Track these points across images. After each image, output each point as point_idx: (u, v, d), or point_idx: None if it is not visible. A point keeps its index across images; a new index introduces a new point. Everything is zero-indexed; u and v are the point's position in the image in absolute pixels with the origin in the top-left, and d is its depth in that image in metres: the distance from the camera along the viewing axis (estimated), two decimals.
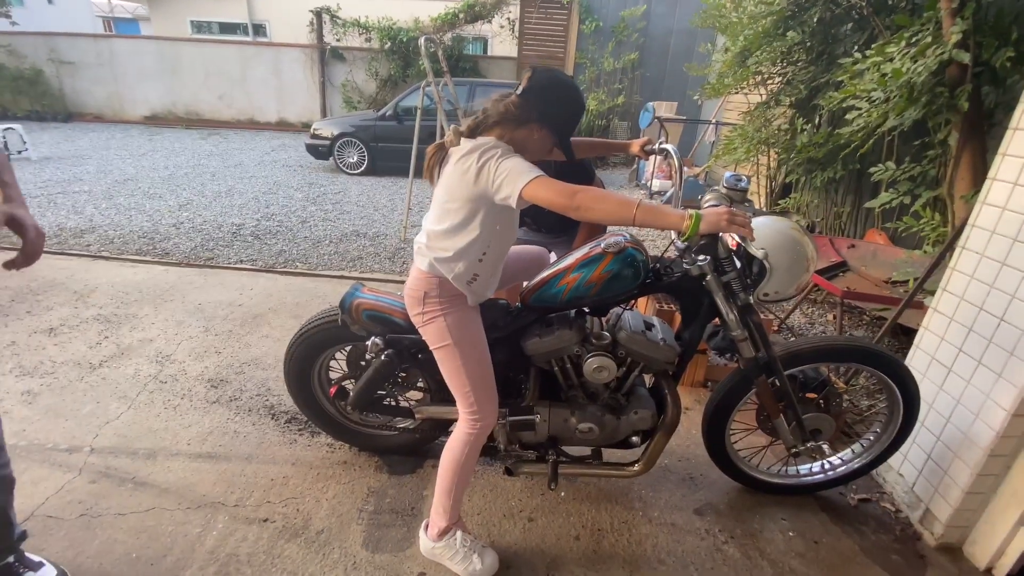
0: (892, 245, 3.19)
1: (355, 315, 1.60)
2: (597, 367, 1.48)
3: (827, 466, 1.87)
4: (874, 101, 2.15)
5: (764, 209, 4.73)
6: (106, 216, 4.82)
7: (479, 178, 1.23)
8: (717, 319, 1.51)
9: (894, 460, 1.90)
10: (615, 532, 1.71)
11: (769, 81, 4.18)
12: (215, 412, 2.19)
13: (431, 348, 1.42)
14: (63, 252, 3.87)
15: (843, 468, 1.84)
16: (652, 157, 7.19)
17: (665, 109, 7.63)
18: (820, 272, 3.02)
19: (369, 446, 1.96)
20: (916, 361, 1.86)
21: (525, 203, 1.20)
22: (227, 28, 13.92)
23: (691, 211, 1.18)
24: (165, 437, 2.04)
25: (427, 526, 1.54)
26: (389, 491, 1.82)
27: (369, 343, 1.61)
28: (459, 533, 1.51)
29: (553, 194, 1.17)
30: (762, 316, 3.02)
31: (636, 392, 1.61)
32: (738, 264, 1.43)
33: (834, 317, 3.34)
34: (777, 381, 1.59)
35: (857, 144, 2.66)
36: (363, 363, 1.72)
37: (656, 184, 7.06)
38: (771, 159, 4.59)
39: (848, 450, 1.86)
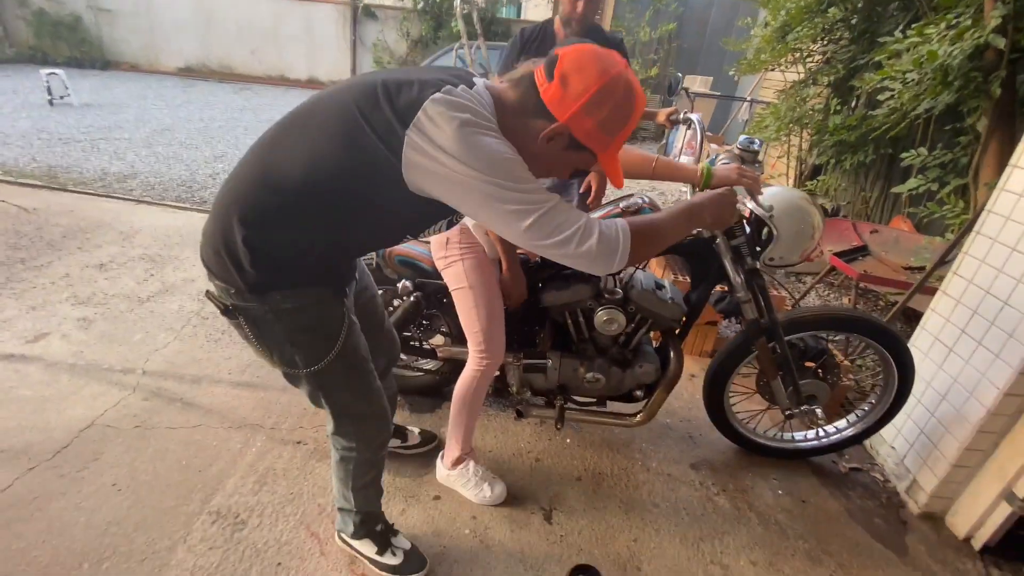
0: (916, 232, 3.18)
1: (388, 260, 1.74)
2: (607, 319, 1.59)
3: (821, 433, 1.97)
4: (907, 83, 2.13)
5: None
6: (146, 163, 5.01)
7: None
8: (725, 286, 1.60)
9: (888, 434, 1.99)
10: (614, 477, 1.85)
11: (808, 59, 4.09)
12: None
13: (450, 290, 1.55)
14: (108, 195, 4.07)
15: (836, 436, 1.93)
16: (682, 131, 7.10)
17: (699, 84, 7.45)
18: (839, 255, 3.04)
19: (400, 387, 2.12)
20: (919, 341, 1.92)
21: None
22: None
23: (705, 164, 1.29)
24: (208, 366, 2.22)
25: (443, 456, 1.70)
26: (409, 425, 1.98)
27: (399, 285, 1.75)
28: (471, 463, 1.67)
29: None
30: (777, 293, 3.08)
31: (642, 348, 1.72)
32: (748, 230, 1.51)
33: (849, 300, 3.37)
34: (778, 346, 1.68)
35: (889, 127, 2.64)
36: (392, 307, 1.86)
37: (684, 159, 6.96)
38: (803, 140, 4.52)
39: (843, 420, 1.95)
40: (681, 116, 1.71)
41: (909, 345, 1.95)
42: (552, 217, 0.91)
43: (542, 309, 1.68)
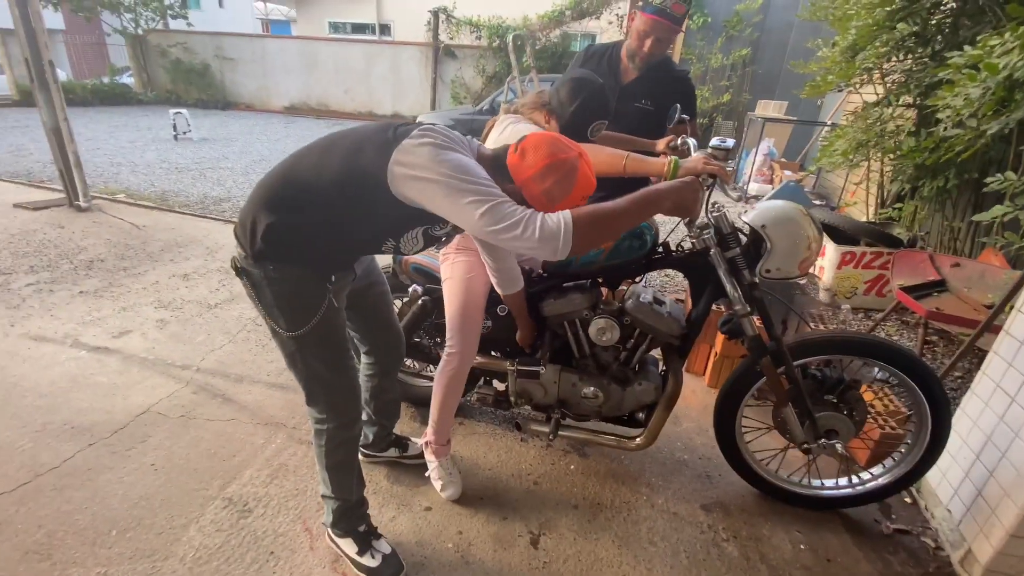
0: (1008, 267, 2.78)
1: (404, 267, 1.88)
2: (600, 328, 1.59)
3: (855, 480, 1.76)
4: (968, 100, 1.91)
5: (869, 220, 4.30)
6: (240, 189, 5.68)
7: (499, 139, 1.48)
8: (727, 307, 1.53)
9: (944, 494, 1.74)
10: (613, 509, 1.77)
11: (887, 77, 3.79)
12: None
13: (441, 283, 1.65)
14: (204, 215, 4.66)
15: (871, 484, 1.72)
16: (751, 157, 6.76)
17: (773, 109, 7.12)
18: (909, 290, 2.73)
19: (404, 395, 2.20)
20: (980, 388, 1.67)
21: None
22: (358, 28, 15.32)
23: (672, 158, 1.38)
24: (252, 367, 2.45)
25: (425, 440, 1.81)
26: (414, 437, 2.04)
27: (410, 290, 1.86)
28: (438, 457, 1.76)
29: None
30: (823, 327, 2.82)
31: (646, 368, 1.69)
32: (742, 241, 1.48)
33: (916, 341, 2.99)
34: (787, 370, 1.56)
35: (963, 148, 2.37)
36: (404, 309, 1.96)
37: (754, 188, 6.64)
38: (883, 165, 4.15)
39: (879, 466, 1.73)
40: (679, 142, 1.68)
41: (970, 393, 1.72)
42: (502, 208, 1.08)
43: (542, 319, 1.70)
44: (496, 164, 1.20)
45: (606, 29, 10.88)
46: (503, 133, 1.54)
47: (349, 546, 1.48)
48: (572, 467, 1.95)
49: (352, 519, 1.49)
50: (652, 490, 1.87)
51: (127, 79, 13.72)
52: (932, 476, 1.82)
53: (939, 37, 3.03)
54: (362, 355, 1.67)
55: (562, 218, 1.09)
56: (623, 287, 1.91)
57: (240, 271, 1.24)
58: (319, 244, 1.21)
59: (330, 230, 1.20)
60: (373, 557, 1.46)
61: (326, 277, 1.26)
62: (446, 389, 1.67)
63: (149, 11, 12.58)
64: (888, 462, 1.73)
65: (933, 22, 2.98)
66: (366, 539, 1.48)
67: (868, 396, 2.11)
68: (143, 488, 1.73)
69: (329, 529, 1.53)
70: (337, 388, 1.36)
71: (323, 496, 1.49)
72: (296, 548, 1.55)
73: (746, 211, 1.52)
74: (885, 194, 4.29)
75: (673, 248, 1.62)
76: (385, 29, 15.09)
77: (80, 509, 1.63)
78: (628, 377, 1.68)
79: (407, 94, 12.79)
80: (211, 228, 4.35)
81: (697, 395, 2.44)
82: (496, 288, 1.58)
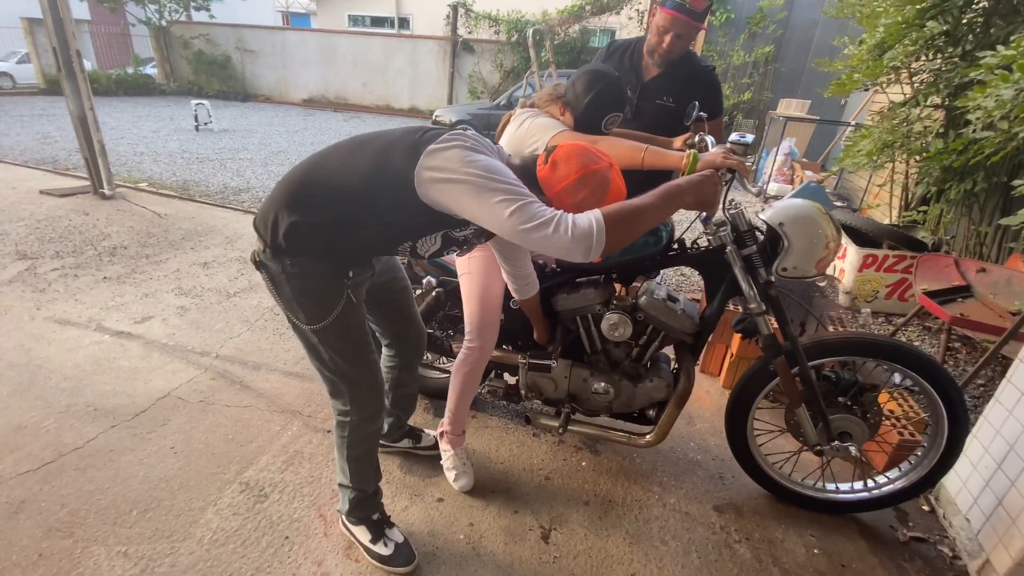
0: None
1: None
2: (613, 323, 1.59)
3: (871, 484, 1.74)
4: (1002, 101, 1.86)
5: (892, 223, 4.21)
6: (259, 180, 5.75)
7: (517, 132, 1.49)
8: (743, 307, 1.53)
9: (963, 502, 1.71)
10: (625, 506, 1.77)
11: (915, 77, 3.69)
12: None
13: (458, 276, 1.66)
14: (224, 205, 4.73)
15: (887, 487, 1.70)
16: (771, 156, 6.66)
17: (795, 108, 7.00)
18: (933, 295, 2.68)
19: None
20: (1004, 396, 1.63)
21: None
22: (377, 22, 15.37)
23: (691, 151, 1.38)
24: (269, 355, 2.49)
25: (441, 431, 1.82)
26: (427, 428, 2.06)
27: (425, 281, 1.87)
28: (452, 447, 1.78)
29: (576, 141, 1.35)
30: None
31: (658, 365, 1.69)
32: (759, 238, 1.47)
33: (938, 347, 2.93)
34: (801, 371, 1.55)
35: (993, 151, 2.31)
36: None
37: (774, 187, 6.54)
38: (909, 167, 4.06)
39: (896, 469, 1.71)
40: (696, 139, 1.67)
41: (993, 401, 1.68)
42: (531, 207, 1.07)
43: (556, 314, 1.70)
44: (525, 174, 1.20)
45: (626, 24, 10.77)
46: (521, 127, 1.54)
47: (363, 534, 1.50)
48: (584, 464, 1.95)
49: (367, 508, 1.50)
50: (664, 489, 1.87)
51: (150, 70, 13.95)
52: (951, 484, 1.79)
53: (970, 36, 2.95)
54: (383, 347, 1.69)
55: (593, 218, 1.07)
56: (636, 283, 1.90)
57: (259, 265, 1.26)
58: (338, 242, 1.22)
59: (350, 229, 1.20)
60: (386, 545, 1.48)
61: (343, 273, 1.27)
62: (465, 381, 1.69)
63: (173, 2, 12.76)
64: (904, 466, 1.71)
65: (964, 21, 2.90)
66: (380, 527, 1.50)
67: (886, 400, 2.08)
68: (163, 470, 1.77)
69: (344, 516, 1.55)
70: (359, 382, 1.37)
71: (340, 485, 1.51)
72: (310, 534, 1.58)
73: (763, 209, 1.50)
74: (910, 196, 4.19)
75: (689, 245, 1.61)
76: (404, 23, 15.12)
77: (102, 489, 1.68)
78: (640, 374, 1.68)
79: (424, 88, 12.81)
80: (231, 218, 4.41)
81: (712, 396, 2.42)
82: (513, 293, 1.59)
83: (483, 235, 1.31)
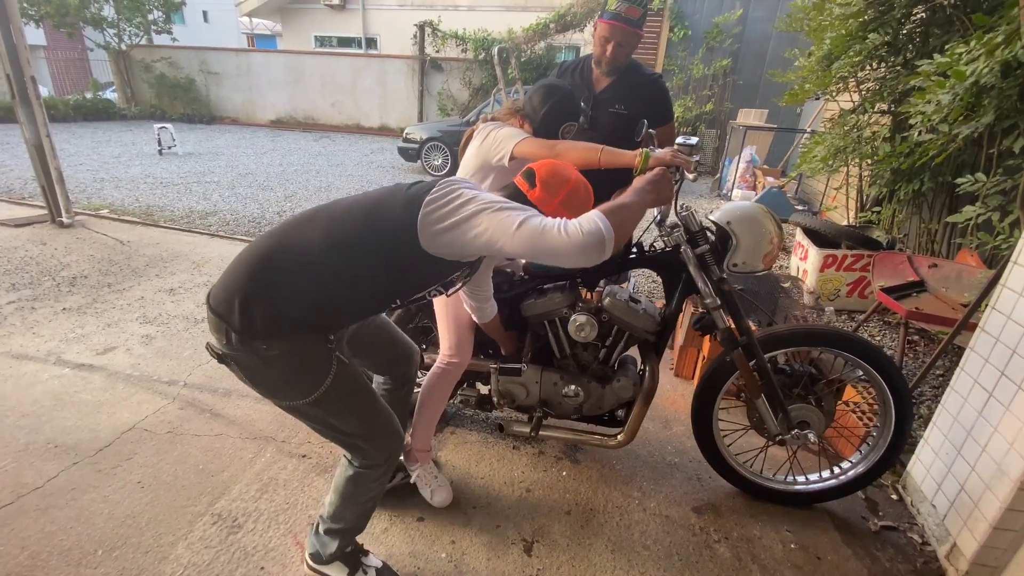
0: (984, 267, 2.86)
1: None
2: (579, 324, 1.64)
3: (836, 471, 1.82)
4: (939, 106, 1.99)
5: (850, 224, 4.40)
6: (227, 203, 5.65)
7: (483, 144, 1.54)
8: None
9: (928, 489, 1.77)
10: (606, 514, 1.78)
11: (861, 86, 3.90)
12: None
13: None
14: (190, 230, 4.62)
15: (851, 472, 1.78)
16: (734, 165, 6.89)
17: (754, 117, 7.28)
18: (890, 291, 2.80)
19: None
20: (959, 384, 1.72)
21: (518, 162, 1.45)
22: (344, 42, 15.37)
23: (643, 150, 1.46)
24: (239, 382, 2.41)
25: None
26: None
27: None
28: (422, 465, 1.77)
29: (537, 148, 1.49)
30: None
31: (624, 365, 1.75)
32: (711, 238, 1.57)
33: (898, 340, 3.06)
34: (758, 363, 1.63)
35: (936, 153, 2.45)
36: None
37: (738, 193, 6.76)
38: (862, 170, 4.26)
39: (856, 453, 1.80)
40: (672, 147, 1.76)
41: (949, 389, 1.76)
42: (538, 217, 1.13)
43: (524, 319, 1.74)
44: (514, 199, 1.25)
45: (589, 41, 11.00)
46: (487, 139, 1.58)
47: (338, 570, 1.44)
48: (564, 473, 1.96)
49: (346, 543, 1.44)
50: (644, 494, 1.88)
51: (110, 94, 13.60)
52: (916, 472, 1.86)
53: (910, 46, 3.14)
54: (374, 377, 1.63)
55: (596, 217, 1.11)
56: (600, 287, 1.96)
57: (223, 357, 1.15)
58: (324, 312, 1.16)
59: (336, 295, 1.15)
60: (365, 573, 1.44)
61: (323, 337, 1.20)
62: (438, 394, 1.69)
63: (133, 27, 12.52)
64: (864, 448, 1.79)
65: (904, 32, 3.09)
66: (355, 558, 1.45)
67: (851, 392, 2.16)
68: (129, 506, 1.70)
69: (311, 562, 1.45)
70: (379, 432, 1.31)
71: (327, 531, 1.41)
72: (287, 563, 1.54)
73: (712, 211, 1.60)
74: (864, 198, 4.39)
75: (646, 248, 1.69)
76: (371, 43, 15.16)
77: (64, 529, 1.60)
78: (607, 375, 1.73)
79: (394, 106, 12.84)
80: (197, 242, 4.31)
81: (687, 399, 2.45)
82: (475, 319, 1.61)
83: (469, 276, 1.34)
